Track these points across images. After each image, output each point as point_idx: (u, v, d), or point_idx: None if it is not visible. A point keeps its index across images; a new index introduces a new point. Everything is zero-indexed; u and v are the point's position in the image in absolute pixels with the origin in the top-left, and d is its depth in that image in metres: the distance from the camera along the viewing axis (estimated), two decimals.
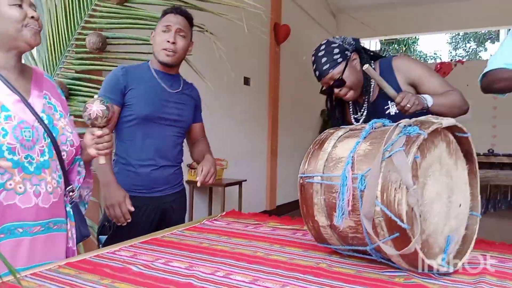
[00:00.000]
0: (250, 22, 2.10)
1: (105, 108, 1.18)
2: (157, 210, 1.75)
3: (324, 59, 1.57)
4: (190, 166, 3.51)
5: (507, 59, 1.56)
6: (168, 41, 1.65)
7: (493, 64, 1.58)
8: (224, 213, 1.75)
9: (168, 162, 1.76)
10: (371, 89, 1.64)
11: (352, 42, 1.61)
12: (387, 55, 1.79)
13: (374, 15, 6.95)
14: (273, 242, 1.28)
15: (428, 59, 18.17)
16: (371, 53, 1.72)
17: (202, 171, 1.69)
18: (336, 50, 1.57)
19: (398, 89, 1.57)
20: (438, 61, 13.85)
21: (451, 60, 10.82)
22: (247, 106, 4.62)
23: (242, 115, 4.53)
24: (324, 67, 1.56)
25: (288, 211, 5.34)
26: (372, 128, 1.11)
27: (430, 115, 1.05)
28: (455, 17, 6.75)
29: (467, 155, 1.15)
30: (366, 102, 1.66)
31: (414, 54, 17.70)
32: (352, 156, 1.05)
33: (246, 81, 4.55)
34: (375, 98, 1.65)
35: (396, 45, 17.32)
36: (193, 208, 3.58)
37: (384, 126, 1.12)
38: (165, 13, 1.72)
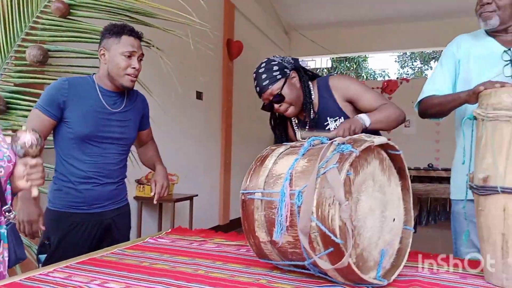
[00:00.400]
0: (196, 38, 2.10)
1: (38, 136, 1.14)
2: (99, 226, 1.70)
3: (264, 76, 1.63)
4: (139, 182, 3.43)
5: (438, 85, 1.66)
6: (134, 67, 1.65)
7: (426, 91, 1.69)
8: (170, 230, 1.73)
9: (110, 180, 1.72)
10: (311, 106, 1.69)
11: (291, 61, 1.69)
12: (335, 73, 1.90)
13: (325, 34, 7.21)
14: (216, 259, 1.27)
15: (377, 76, 18.98)
16: (310, 73, 1.79)
17: (155, 186, 1.73)
18: (276, 68, 1.64)
19: (336, 106, 1.68)
20: (387, 78, 14.53)
21: (397, 78, 11.38)
22: (200, 120, 4.61)
23: (195, 129, 4.50)
24: (264, 83, 1.62)
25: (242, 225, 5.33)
26: (311, 146, 1.15)
27: (363, 134, 1.10)
28: (402, 38, 7.13)
29: (400, 171, 1.20)
30: (307, 119, 1.71)
31: (364, 72, 18.44)
32: (291, 173, 1.08)
33: (199, 95, 4.54)
34: (315, 115, 1.71)
35: (347, 63, 17.98)
36: (142, 224, 3.49)
37: (322, 143, 1.16)
38: (120, 32, 1.64)
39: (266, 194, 1.11)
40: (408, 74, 20.47)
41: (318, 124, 1.71)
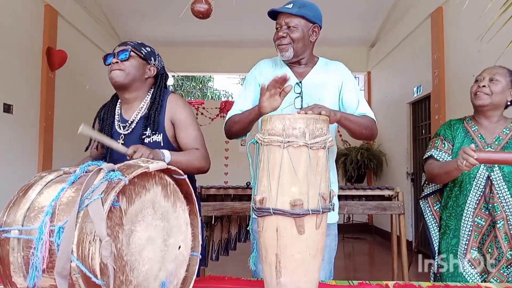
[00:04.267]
0: None
1: None
2: None
3: (137, 42, 1.73)
4: None
5: (240, 106, 1.71)
6: None
7: (229, 113, 1.72)
8: None
9: None
10: (142, 111, 1.69)
11: (162, 66, 1.79)
12: (180, 92, 1.96)
13: (166, 51, 7.08)
14: None
15: (221, 96, 19.71)
16: (166, 82, 1.83)
17: None
18: (148, 49, 1.74)
19: (162, 120, 1.66)
20: (230, 99, 15.16)
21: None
22: (9, 137, 3.98)
23: (2, 147, 3.87)
24: (133, 43, 1.72)
25: None
26: (83, 172, 1.02)
27: (140, 159, 1.03)
28: (241, 61, 7.49)
29: (187, 196, 1.17)
30: (131, 119, 1.70)
31: (208, 91, 18.95)
32: (54, 205, 0.93)
33: (7, 108, 3.93)
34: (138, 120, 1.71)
35: (193, 82, 18.22)
36: None
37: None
38: None
39: (24, 232, 0.94)
40: None
41: (136, 130, 1.67)
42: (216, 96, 19.54)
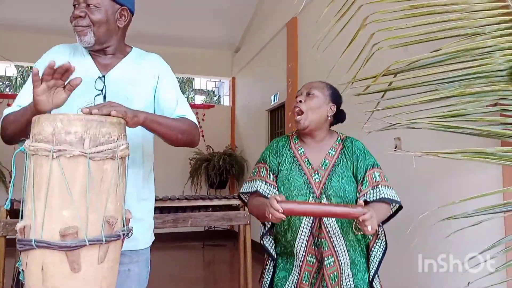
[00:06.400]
0: None
1: None
2: None
3: None
4: None
5: (21, 102, 1.32)
6: None
7: (7, 111, 1.32)
8: None
9: None
10: None
11: None
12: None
13: (7, 38, 6.07)
14: None
15: None
16: None
17: None
18: None
19: None
20: None
21: None
22: None
23: None
24: None
25: None
26: None
27: None
28: None
29: None
30: None
31: None
32: None
33: None
34: None
35: None
36: None
37: None
38: None
39: None
40: None
41: None
42: None
